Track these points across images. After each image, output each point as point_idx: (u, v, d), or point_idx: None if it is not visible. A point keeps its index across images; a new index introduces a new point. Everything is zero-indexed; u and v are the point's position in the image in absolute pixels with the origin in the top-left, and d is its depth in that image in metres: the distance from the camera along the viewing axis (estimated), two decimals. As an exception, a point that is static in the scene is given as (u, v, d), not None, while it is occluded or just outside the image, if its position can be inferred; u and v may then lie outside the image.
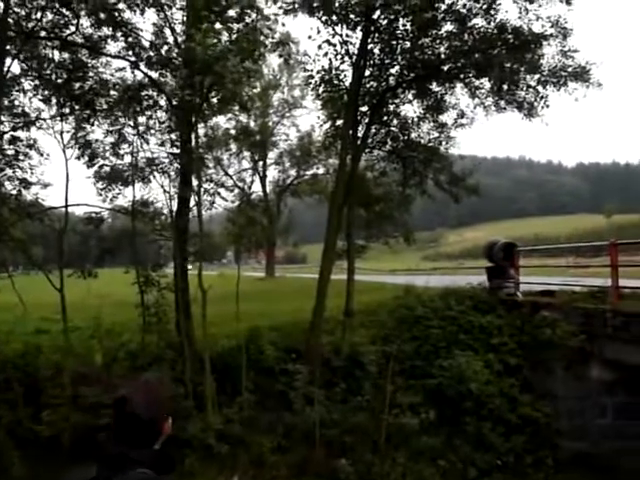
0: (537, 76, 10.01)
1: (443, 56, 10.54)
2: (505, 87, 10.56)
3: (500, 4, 9.69)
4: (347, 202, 10.27)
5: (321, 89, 10.94)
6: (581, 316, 8.88)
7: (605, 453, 8.49)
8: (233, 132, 28.50)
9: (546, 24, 9.54)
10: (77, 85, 9.05)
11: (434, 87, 11.35)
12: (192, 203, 9.42)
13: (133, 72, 9.07)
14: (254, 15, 7.67)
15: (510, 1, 9.50)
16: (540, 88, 10.04)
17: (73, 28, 8.44)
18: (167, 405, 1.95)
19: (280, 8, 9.12)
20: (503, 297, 10.82)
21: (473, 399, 8.88)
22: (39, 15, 8.28)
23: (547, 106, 10.23)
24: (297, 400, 8.63)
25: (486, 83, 10.95)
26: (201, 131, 9.87)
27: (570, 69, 9.78)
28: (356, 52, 10.01)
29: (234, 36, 7.46)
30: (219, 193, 9.40)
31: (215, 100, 8.80)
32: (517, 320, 9.99)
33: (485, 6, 9.79)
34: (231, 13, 7.57)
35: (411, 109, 11.88)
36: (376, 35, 10.31)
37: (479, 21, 9.99)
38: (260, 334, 9.86)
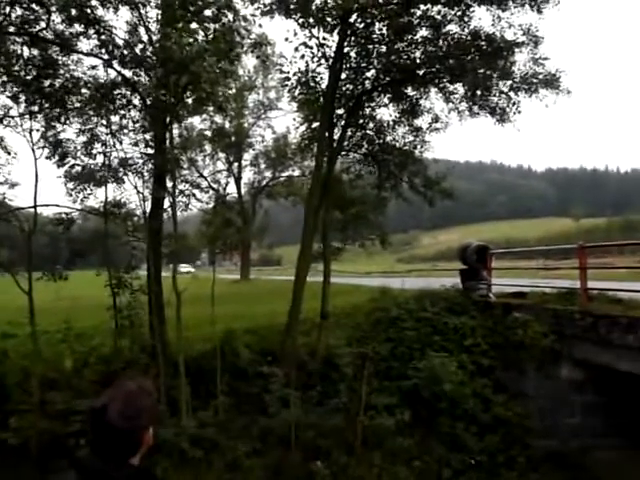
0: (509, 82, 10.24)
1: (418, 61, 10.68)
2: (478, 93, 10.77)
3: (474, 11, 9.89)
4: (323, 204, 10.29)
5: (297, 91, 10.94)
6: (551, 317, 9.09)
7: (574, 451, 8.72)
8: (208, 133, 28.27)
9: (518, 32, 9.78)
10: (47, 82, 8.79)
11: (409, 91, 11.49)
12: (166, 204, 9.28)
13: (106, 70, 8.88)
14: (231, 15, 7.61)
15: (483, 9, 9.69)
16: (512, 94, 10.29)
17: (43, 24, 8.20)
18: (148, 414, 1.81)
19: (257, 9, 9.09)
20: (476, 299, 10.99)
21: (447, 400, 8.98)
22: (7, 10, 8.02)
23: (519, 112, 10.49)
24: (273, 403, 8.57)
25: (460, 88, 11.15)
26: (176, 131, 9.75)
27: (541, 76, 10.04)
28: (332, 55, 10.05)
29: (210, 36, 7.38)
30: (194, 194, 9.28)
31: (190, 100, 8.70)
32: (490, 321, 10.18)
33: (459, 13, 9.97)
34: (207, 13, 7.48)
35: (387, 113, 12.01)
36: (352, 39, 10.37)
37: (453, 27, 10.18)
38: (235, 337, 9.77)
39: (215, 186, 31.88)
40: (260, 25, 9.05)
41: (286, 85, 10.99)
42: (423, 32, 10.43)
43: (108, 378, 8.52)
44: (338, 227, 11.95)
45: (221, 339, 9.34)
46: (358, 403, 8.91)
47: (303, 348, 10.09)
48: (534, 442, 8.96)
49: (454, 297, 11.20)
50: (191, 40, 6.76)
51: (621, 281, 11.10)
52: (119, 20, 8.53)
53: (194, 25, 7.46)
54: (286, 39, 9.82)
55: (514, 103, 10.33)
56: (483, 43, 9.99)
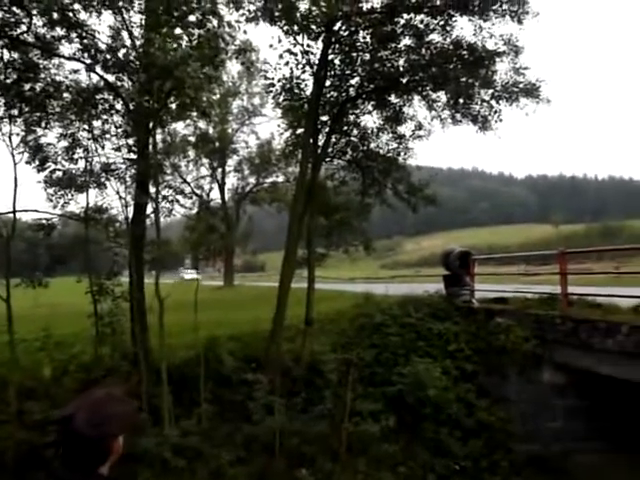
0: (491, 91, 10.41)
1: (402, 69, 10.79)
2: (461, 101, 10.91)
3: (456, 21, 10.04)
4: (307, 210, 10.30)
5: (282, 98, 10.96)
6: (533, 322, 9.20)
7: (556, 455, 8.80)
8: (192, 138, 28.13)
9: (499, 42, 9.96)
10: (28, 86, 8.65)
11: (393, 99, 11.59)
12: (149, 210, 9.19)
13: (88, 75, 8.78)
14: (215, 21, 7.60)
15: (465, 19, 9.85)
16: (493, 103, 10.45)
17: (24, 27, 8.08)
18: (117, 422, 1.76)
19: (242, 15, 9.09)
20: (459, 304, 11.08)
21: (432, 405, 9.02)
22: (-13, 13, 7.90)
23: (500, 120, 10.66)
24: (257, 410, 8.51)
25: (443, 96, 11.29)
26: (159, 137, 9.68)
27: (521, 85, 10.22)
28: (317, 62, 10.10)
29: (195, 42, 7.35)
30: (177, 200, 9.21)
31: (174, 106, 8.64)
32: (473, 327, 10.26)
33: (442, 23, 10.11)
34: (192, 18, 7.46)
35: (371, 120, 12.09)
36: (337, 46, 10.45)
37: (436, 37, 10.31)
38: (219, 344, 9.69)
39: (199, 192, 31.76)
40: (245, 32, 9.08)
41: (270, 91, 11.01)
42: (406, 41, 10.56)
43: (88, 386, 8.37)
44: (322, 233, 11.97)
45: (204, 346, 9.25)
46: (343, 409, 8.89)
47: (288, 354, 10.04)
48: (517, 446, 9.02)
49: (437, 303, 11.28)
50: (175, 45, 6.72)
51: (600, 286, 11.31)
52: (102, 24, 8.46)
53: (178, 30, 7.44)
54: (270, 46, 9.86)
55: (495, 111, 10.51)
56: (465, 52, 10.14)
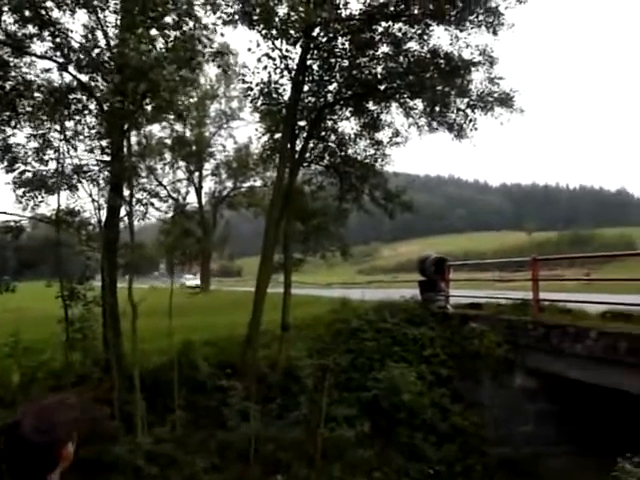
0: (466, 100, 10.59)
1: (379, 76, 10.90)
2: (437, 109, 11.07)
3: (433, 30, 10.20)
4: (284, 215, 10.27)
5: (260, 102, 10.94)
6: (506, 327, 9.34)
7: (527, 458, 8.94)
8: (168, 141, 27.81)
9: (475, 52, 10.15)
10: (-3, 84, 8.44)
11: (371, 105, 11.68)
12: (123, 213, 9.03)
13: (61, 74, 8.59)
14: (191, 23, 7.52)
15: (442, 28, 10.01)
16: (469, 111, 10.63)
17: (-6, 24, 7.90)
18: (66, 428, 1.72)
19: (219, 18, 9.05)
20: (435, 310, 11.17)
21: (406, 410, 9.07)
22: (-45, 9, 7.67)
23: (475, 129, 10.85)
24: (232, 417, 8.41)
25: (419, 104, 11.43)
26: (134, 139, 9.53)
27: (496, 95, 10.43)
28: (295, 67, 10.11)
29: (170, 43, 7.27)
30: (152, 203, 9.06)
31: (149, 108, 8.53)
32: (448, 332, 10.36)
33: (419, 31, 10.26)
34: (168, 20, 7.37)
35: (348, 126, 12.14)
36: (315, 52, 10.49)
37: (413, 45, 10.45)
38: (193, 349, 9.56)
39: (175, 195, 31.37)
40: (222, 34, 9.00)
41: (248, 95, 10.97)
42: (384, 48, 10.66)
43: (58, 393, 8.16)
44: (299, 238, 11.95)
45: (179, 351, 9.11)
46: (318, 415, 8.87)
47: (263, 360, 9.98)
48: (490, 450, 9.14)
49: (413, 308, 11.36)
50: (150, 47, 6.63)
51: (572, 292, 11.57)
52: (76, 23, 8.30)
53: (154, 32, 7.34)
54: (249, 49, 9.83)
55: (470, 120, 10.69)
56: (442, 61, 10.30)
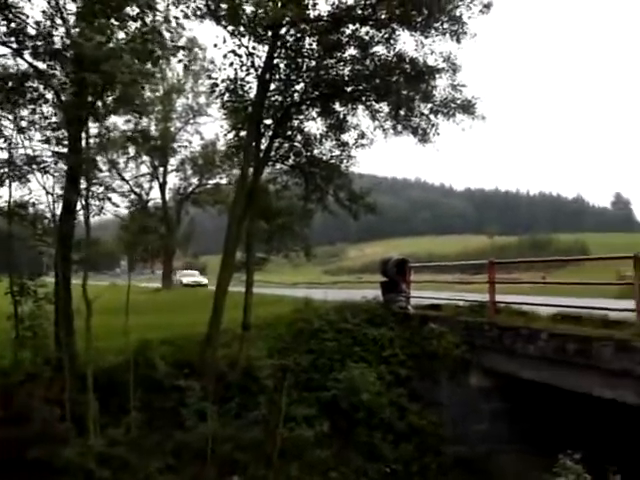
0: (430, 105, 10.77)
1: (346, 78, 10.96)
2: (402, 112, 11.21)
3: (399, 35, 10.33)
4: (248, 213, 10.18)
5: (225, 98, 10.80)
6: (463, 329, 9.57)
7: (481, 456, 9.16)
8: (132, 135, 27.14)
9: (439, 59, 10.35)
10: (-56, 69, 8.02)
11: (337, 107, 11.72)
12: (79, 207, 8.73)
13: (15, 60, 8.25)
14: (152, 15, 7.34)
15: (408, 34, 10.15)
16: (432, 116, 10.83)
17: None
18: None
19: (182, 12, 8.88)
20: (396, 310, 11.31)
21: (365, 410, 9.13)
22: None
23: (438, 133, 11.06)
24: (189, 417, 8.28)
25: (385, 107, 11.53)
26: (94, 130, 9.21)
27: (459, 102, 10.66)
28: (262, 65, 10.05)
29: (131, 35, 7.07)
30: (109, 198, 8.79)
31: (110, 99, 8.28)
32: (407, 332, 10.50)
33: (386, 36, 10.37)
34: (128, 11, 7.17)
35: (315, 126, 12.14)
36: (283, 51, 10.45)
37: (380, 49, 10.56)
38: (151, 348, 9.36)
39: (138, 190, 30.67)
40: (184, 28, 8.82)
41: (214, 91, 10.82)
42: (351, 51, 10.73)
43: (5, 392, 7.85)
44: (263, 237, 11.87)
45: (135, 350, 8.90)
46: (277, 415, 8.83)
47: (223, 360, 9.86)
48: (446, 449, 9.29)
49: (374, 309, 11.46)
50: (106, 38, 6.42)
51: (529, 295, 11.93)
52: (34, 9, 7.97)
53: (114, 22, 7.12)
54: (215, 45, 9.71)
55: (433, 125, 10.89)
56: (407, 66, 10.46)
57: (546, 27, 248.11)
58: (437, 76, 10.51)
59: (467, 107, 10.49)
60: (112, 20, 7.03)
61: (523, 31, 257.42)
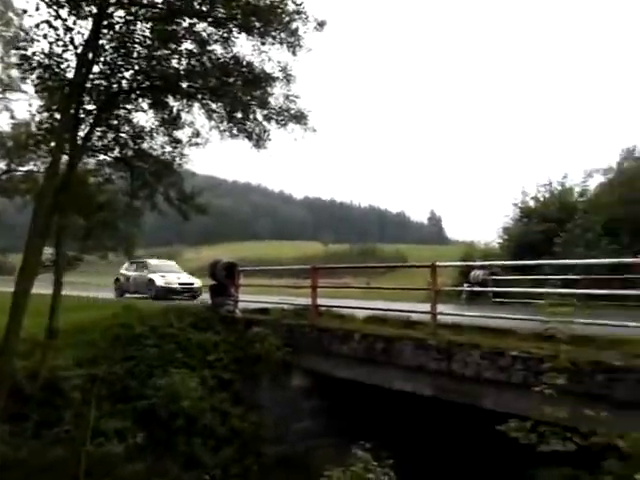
0: (265, 112, 10.94)
1: (182, 72, 10.53)
2: (238, 116, 11.18)
3: (238, 37, 10.27)
4: (59, 206, 9.08)
5: (36, 74, 9.49)
6: (286, 331, 9.91)
7: (300, 453, 9.54)
8: None
9: (275, 67, 10.55)
10: None
11: (171, 101, 11.20)
12: None
13: None
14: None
15: (245, 37, 10.16)
16: (266, 123, 11.01)
17: None
18: None
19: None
20: (223, 314, 11.24)
21: (185, 417, 8.84)
22: None
23: (270, 139, 11.26)
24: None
25: (222, 108, 11.38)
26: None
27: (292, 112, 11.02)
28: (83, 43, 9.07)
29: None
30: None
31: None
32: (233, 336, 10.50)
33: (225, 35, 10.24)
34: None
35: (145, 118, 11.40)
36: (110, 32, 9.60)
37: (218, 48, 10.36)
38: None
39: None
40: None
41: (22, 64, 9.44)
42: (188, 45, 10.33)
43: None
44: (80, 234, 10.73)
45: None
46: (85, 430, 8.05)
47: (21, 371, 8.67)
48: (268, 450, 9.49)
49: (201, 313, 11.23)
50: None
51: (357, 299, 12.81)
52: None
53: None
54: (24, 11, 8.49)
55: (266, 131, 11.08)
56: (244, 69, 10.45)
57: (384, 50, 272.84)
58: (273, 84, 10.71)
59: (300, 118, 10.90)
60: None
61: (362, 51, 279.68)
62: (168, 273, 17.20)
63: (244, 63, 10.38)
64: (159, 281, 16.19)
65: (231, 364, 10.06)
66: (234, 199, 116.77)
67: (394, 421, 9.66)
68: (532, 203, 20.04)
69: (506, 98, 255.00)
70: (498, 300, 13.41)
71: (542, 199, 19.78)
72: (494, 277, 15.37)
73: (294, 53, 10.39)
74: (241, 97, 10.49)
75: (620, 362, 5.27)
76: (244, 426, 9.50)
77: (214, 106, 11.35)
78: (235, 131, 11.44)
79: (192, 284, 16.91)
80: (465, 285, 15.00)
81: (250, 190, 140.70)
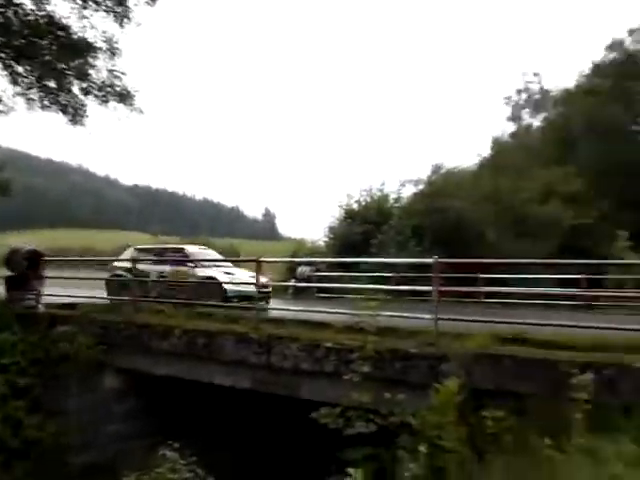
0: (84, 85, 9.87)
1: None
2: (51, 85, 9.89)
3: (53, -4, 9.09)
4: None
5: None
6: (100, 328, 9.07)
7: (110, 459, 8.83)
8: None
9: (99, 36, 9.61)
10: None
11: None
12: None
13: None
14: None
15: (65, -3, 9.05)
16: (83, 97, 9.96)
17: None
18: None
19: None
20: (22, 310, 9.83)
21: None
22: None
23: (87, 116, 10.23)
24: None
25: (31, 75, 9.94)
26: None
27: (118, 89, 10.14)
28: None
29: None
30: None
31: None
32: (35, 336, 9.24)
33: (38, -10, 8.97)
34: None
35: None
36: None
37: (28, 2, 9.03)
38: None
39: None
40: None
41: None
42: (-10, -5, 8.81)
43: None
44: None
45: None
46: None
47: None
48: (73, 458, 8.67)
49: (-6, 309, 9.63)
50: None
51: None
52: None
53: None
54: None
55: (83, 105, 10.03)
56: (61, 33, 9.30)
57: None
58: (95, 55, 9.74)
59: (125, 96, 10.09)
60: None
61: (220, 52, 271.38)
62: (228, 269, 11.35)
63: (60, 25, 9.22)
64: (223, 280, 10.59)
65: (30, 367, 8.84)
66: (49, 179, 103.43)
67: (213, 417, 9.56)
68: (355, 206, 21.67)
69: (343, 107, 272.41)
70: (322, 295, 14.21)
71: (364, 203, 21.51)
72: (318, 273, 16.30)
73: (121, 25, 9.62)
74: (55, 63, 9.28)
75: (415, 350, 5.95)
76: (42, 436, 8.47)
77: (20, 69, 9.86)
78: (47, 102, 10.11)
79: (267, 286, 10.61)
80: (292, 280, 15.58)
81: (69, 170, 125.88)
